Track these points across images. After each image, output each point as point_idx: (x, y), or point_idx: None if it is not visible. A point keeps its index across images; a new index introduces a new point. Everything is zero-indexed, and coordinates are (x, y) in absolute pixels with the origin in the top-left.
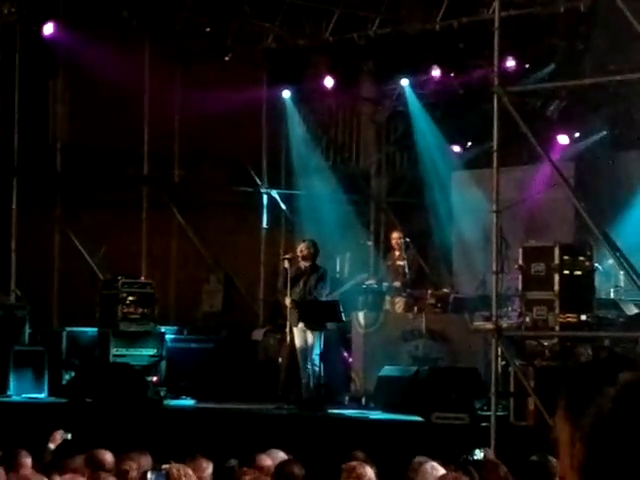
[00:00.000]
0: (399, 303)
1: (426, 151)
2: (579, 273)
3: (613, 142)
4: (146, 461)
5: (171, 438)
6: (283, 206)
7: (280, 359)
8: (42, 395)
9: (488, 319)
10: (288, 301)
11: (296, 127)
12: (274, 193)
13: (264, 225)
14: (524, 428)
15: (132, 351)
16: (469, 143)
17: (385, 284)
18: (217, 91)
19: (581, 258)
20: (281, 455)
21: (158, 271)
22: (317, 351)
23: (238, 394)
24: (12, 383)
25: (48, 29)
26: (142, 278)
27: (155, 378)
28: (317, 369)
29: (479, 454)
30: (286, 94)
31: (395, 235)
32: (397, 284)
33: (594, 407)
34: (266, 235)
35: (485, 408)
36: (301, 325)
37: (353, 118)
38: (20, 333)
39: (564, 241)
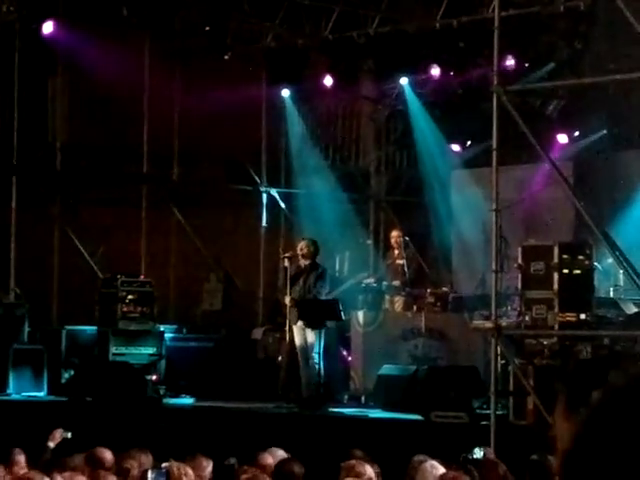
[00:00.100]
0: (398, 302)
1: (425, 150)
2: (578, 272)
3: (612, 141)
4: (147, 459)
5: (170, 437)
6: (282, 205)
7: (280, 358)
8: (41, 394)
9: (487, 318)
10: (288, 300)
11: (295, 126)
12: (273, 192)
13: (263, 224)
14: (523, 427)
15: (131, 350)
16: (468, 142)
17: (384, 283)
18: (217, 90)
19: (580, 257)
20: (281, 454)
21: (157, 270)
22: (317, 350)
23: (238, 393)
24: (11, 382)
25: (47, 28)
26: (141, 277)
27: (154, 377)
28: (317, 368)
29: (479, 453)
30: (285, 93)
31: (394, 234)
32: (396, 283)
33: (589, 404)
34: (265, 234)
35: (484, 407)
36: (300, 323)
37: (352, 117)
38: (19, 331)
39: (563, 240)
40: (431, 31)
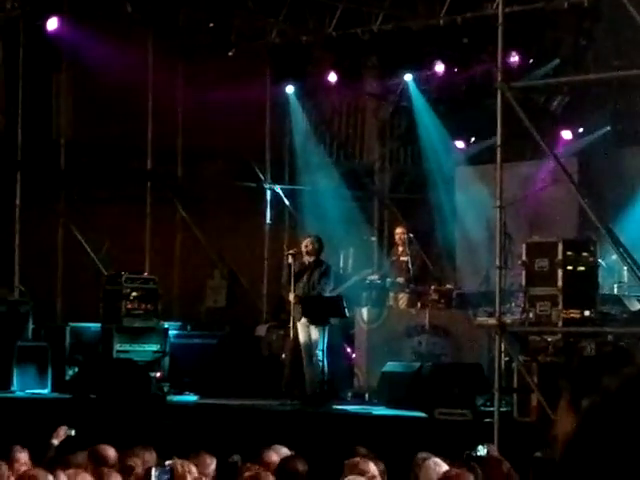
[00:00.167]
0: (402, 299)
1: (430, 146)
2: (582, 269)
3: (616, 138)
4: (150, 457)
5: (174, 434)
6: (287, 202)
7: (284, 355)
8: (45, 391)
9: (491, 315)
10: (292, 296)
11: (299, 122)
12: (278, 189)
13: (268, 221)
14: (527, 424)
15: (135, 347)
16: (473, 138)
17: (388, 280)
18: (220, 86)
19: (584, 254)
20: (285, 451)
21: (161, 267)
22: (321, 347)
23: (241, 390)
24: (15, 379)
25: (52, 24)
26: (145, 274)
27: (158, 374)
28: (320, 365)
29: (482, 450)
30: (290, 89)
31: (398, 231)
32: (400, 280)
33: (591, 398)
34: (270, 231)
35: (488, 404)
36: (304, 320)
37: (357, 113)
38: (24, 329)
39: (567, 237)
40: (435, 28)
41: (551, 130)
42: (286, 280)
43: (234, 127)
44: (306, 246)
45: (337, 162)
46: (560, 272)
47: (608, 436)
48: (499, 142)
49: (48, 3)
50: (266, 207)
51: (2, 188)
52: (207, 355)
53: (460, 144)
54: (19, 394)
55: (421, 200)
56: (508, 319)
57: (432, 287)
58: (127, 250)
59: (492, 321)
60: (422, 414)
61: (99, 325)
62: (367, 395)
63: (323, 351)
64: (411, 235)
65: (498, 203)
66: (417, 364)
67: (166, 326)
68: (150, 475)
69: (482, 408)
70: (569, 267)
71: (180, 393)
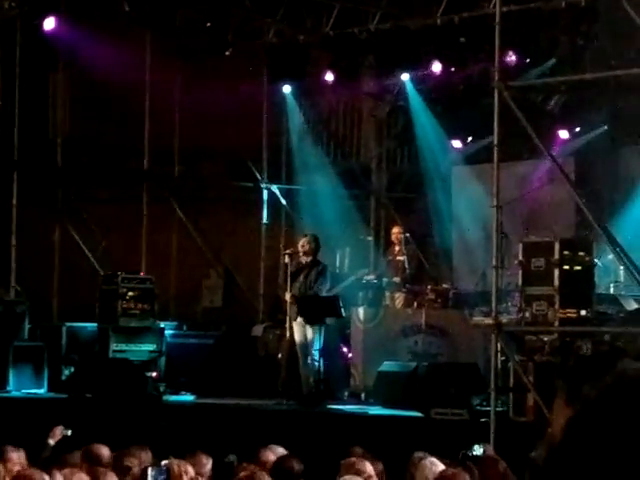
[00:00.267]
0: (399, 298)
1: (426, 146)
2: (579, 268)
3: (613, 137)
4: (146, 456)
5: (171, 434)
6: (283, 201)
7: (280, 355)
8: (42, 390)
9: (488, 314)
10: (288, 296)
11: (296, 122)
12: (274, 188)
13: (264, 220)
14: (523, 424)
15: (132, 347)
16: (469, 138)
17: (385, 279)
18: (218, 86)
19: (581, 253)
20: (281, 451)
21: (158, 266)
22: (317, 346)
23: (238, 390)
24: (11, 378)
25: (49, 24)
26: (142, 273)
27: (155, 374)
28: (317, 364)
29: (478, 450)
30: (287, 89)
31: (395, 230)
32: (397, 279)
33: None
34: (266, 230)
35: (484, 404)
36: (300, 320)
37: (354, 113)
38: (20, 328)
39: (564, 236)
40: (432, 27)
41: (548, 129)
42: (282, 280)
43: (231, 127)
44: (303, 246)
45: (334, 161)
46: (556, 272)
47: (589, 446)
48: (496, 141)
49: (45, 3)
50: (263, 207)
51: None
52: (203, 355)
53: (457, 143)
54: (15, 394)
55: (418, 199)
56: (504, 319)
57: (428, 287)
58: (124, 250)
59: (488, 321)
60: (418, 414)
61: (95, 325)
62: (363, 395)
63: (319, 351)
64: (407, 235)
65: (495, 202)
66: (413, 364)
67: (162, 326)
68: (146, 475)
69: (478, 408)
70: (565, 267)
71: (176, 393)
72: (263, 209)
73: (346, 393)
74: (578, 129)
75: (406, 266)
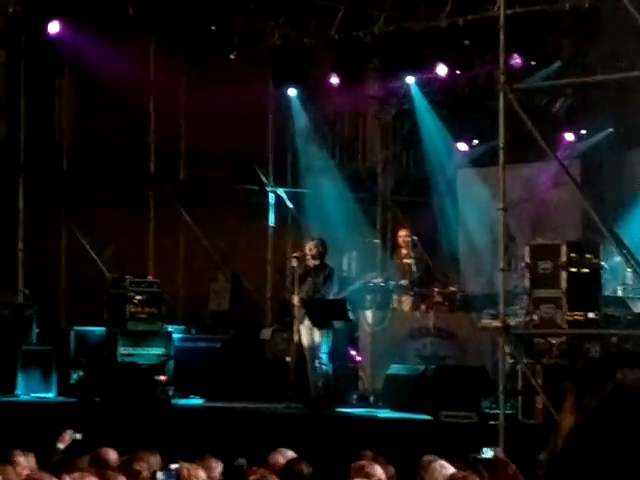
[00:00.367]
0: (406, 301)
1: (432, 149)
2: (586, 271)
3: (619, 139)
4: (155, 460)
5: (179, 437)
6: (290, 204)
7: (288, 358)
8: (50, 395)
9: (496, 317)
10: (296, 299)
11: (302, 125)
12: (280, 191)
13: (271, 224)
14: (532, 426)
15: (140, 350)
16: (475, 141)
17: (392, 282)
18: (223, 89)
19: (588, 256)
20: (290, 454)
21: (165, 270)
22: (325, 350)
23: (246, 393)
24: (20, 383)
25: (53, 27)
26: (149, 277)
27: (163, 377)
28: (325, 368)
29: (488, 452)
30: (292, 92)
31: (402, 233)
32: (404, 282)
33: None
34: (273, 234)
35: (493, 406)
36: (308, 323)
37: (359, 116)
38: (28, 332)
39: (571, 239)
40: (437, 30)
41: (553, 132)
42: (290, 283)
43: (236, 130)
44: (310, 249)
45: (340, 165)
46: (564, 274)
47: (589, 455)
48: (501, 144)
49: (50, 6)
50: (269, 210)
51: (5, 192)
52: (212, 358)
53: (463, 146)
54: (23, 398)
55: (424, 202)
56: (512, 321)
57: (436, 290)
58: (131, 254)
59: (496, 323)
60: (427, 417)
61: (103, 329)
62: (372, 398)
63: (327, 354)
64: (414, 237)
65: (501, 205)
66: (421, 367)
67: (170, 329)
68: (156, 479)
69: (487, 410)
70: (573, 269)
71: (185, 397)
72: (270, 212)
73: (355, 396)
74: (584, 131)
75: (413, 269)
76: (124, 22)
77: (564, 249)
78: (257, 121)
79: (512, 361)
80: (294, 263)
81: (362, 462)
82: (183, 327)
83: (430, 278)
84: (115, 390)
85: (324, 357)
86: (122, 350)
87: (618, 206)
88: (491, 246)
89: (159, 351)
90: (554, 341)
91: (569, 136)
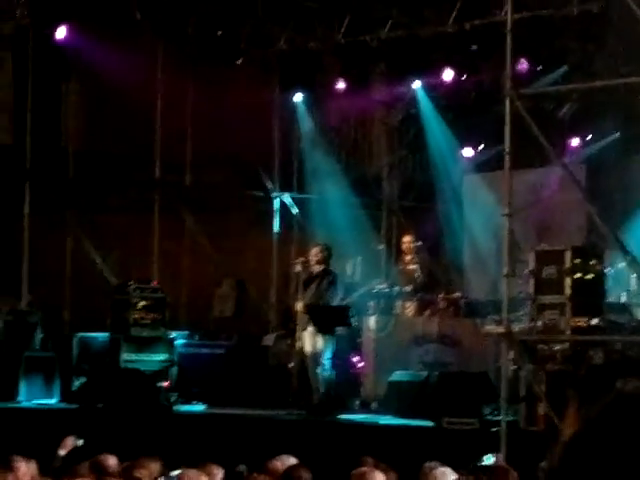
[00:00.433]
0: (410, 307)
1: (438, 154)
2: (591, 276)
3: (625, 145)
4: (156, 467)
5: (182, 444)
6: (295, 211)
7: (291, 364)
8: (53, 401)
9: (499, 323)
10: (299, 306)
11: (308, 130)
12: (286, 197)
13: (276, 229)
14: (534, 433)
15: (143, 356)
16: (481, 146)
17: (396, 288)
18: (229, 94)
19: (592, 261)
20: (292, 461)
21: (169, 276)
22: (328, 356)
23: (249, 399)
24: (23, 389)
25: (60, 33)
26: (153, 283)
27: (166, 383)
28: (327, 374)
29: (489, 459)
30: (298, 97)
31: (406, 239)
32: (408, 288)
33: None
34: (278, 239)
35: (495, 413)
36: (311, 329)
37: (365, 121)
38: (31, 338)
39: (576, 244)
40: (443, 34)
41: (559, 137)
42: (294, 289)
43: (242, 135)
44: (315, 255)
45: (345, 170)
46: (568, 280)
47: (590, 464)
48: (507, 149)
49: (57, 12)
50: (274, 216)
51: (11, 197)
52: (215, 365)
53: (468, 151)
54: (26, 404)
55: (429, 208)
56: (516, 327)
57: (440, 295)
58: (135, 259)
59: (500, 329)
60: (429, 423)
61: (107, 335)
62: (374, 404)
63: (330, 360)
64: (419, 243)
65: (506, 211)
66: (424, 373)
67: (174, 335)
68: None
69: (489, 417)
70: (577, 275)
71: (188, 403)
72: (274, 218)
73: (357, 403)
74: (590, 137)
75: (417, 275)
76: (131, 28)
77: (569, 255)
78: (263, 126)
79: (515, 367)
80: (298, 269)
81: (363, 469)
82: (186, 333)
83: (434, 284)
84: (118, 396)
85: (327, 363)
86: (125, 356)
87: (623, 211)
88: (496, 252)
89: (162, 357)
90: (557, 347)
91: (575, 141)
